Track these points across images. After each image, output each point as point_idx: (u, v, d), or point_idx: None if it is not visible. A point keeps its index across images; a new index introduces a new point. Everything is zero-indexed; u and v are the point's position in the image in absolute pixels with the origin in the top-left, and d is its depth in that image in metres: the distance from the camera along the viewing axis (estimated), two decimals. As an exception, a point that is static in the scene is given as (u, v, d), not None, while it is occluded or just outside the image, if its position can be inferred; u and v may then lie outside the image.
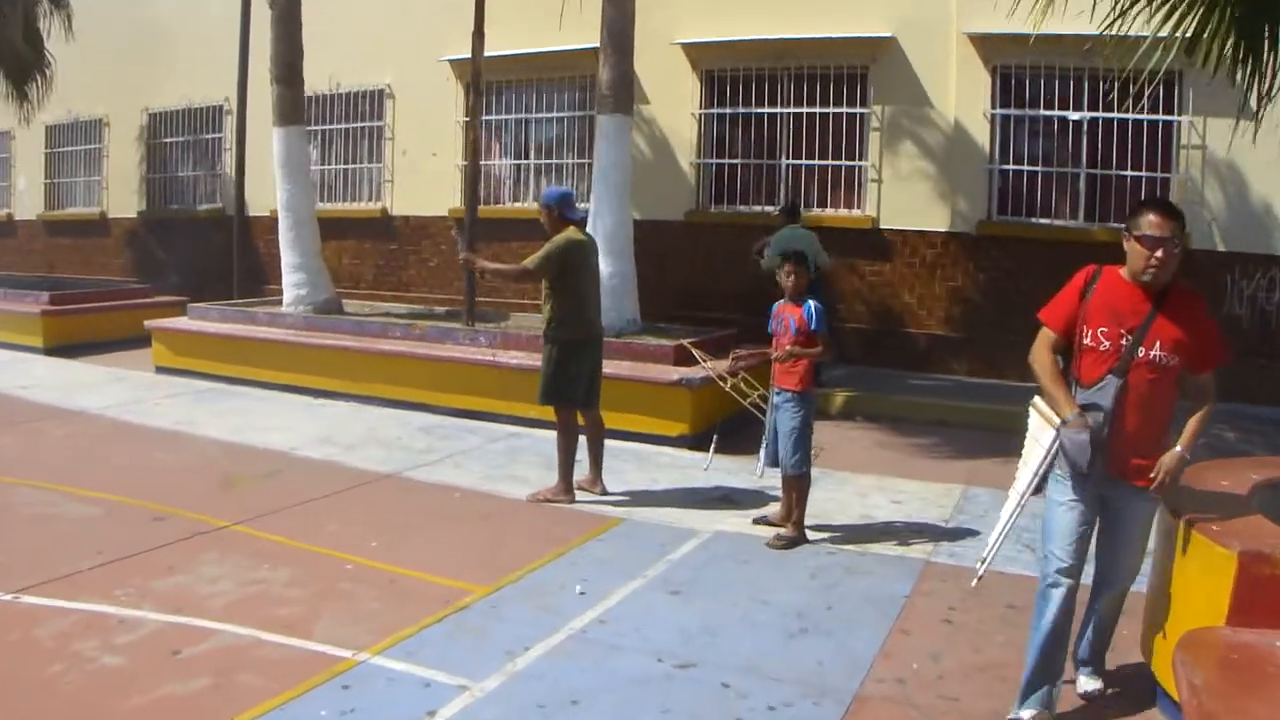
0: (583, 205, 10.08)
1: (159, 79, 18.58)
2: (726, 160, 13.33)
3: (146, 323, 13.13)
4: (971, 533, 6.82)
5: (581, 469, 7.59)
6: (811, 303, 6.52)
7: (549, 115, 14.53)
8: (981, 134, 11.93)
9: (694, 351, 9.11)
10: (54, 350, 14.31)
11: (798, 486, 6.57)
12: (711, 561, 6.20)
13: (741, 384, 7.73)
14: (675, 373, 9.18)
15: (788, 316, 6.56)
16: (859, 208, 12.63)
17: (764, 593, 5.70)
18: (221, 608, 5.40)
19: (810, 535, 6.61)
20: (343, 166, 16.54)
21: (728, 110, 13.24)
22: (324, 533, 6.71)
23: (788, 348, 6.46)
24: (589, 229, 10.22)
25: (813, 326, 6.46)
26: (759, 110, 13.02)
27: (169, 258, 18.87)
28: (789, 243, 9.07)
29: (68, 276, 19.81)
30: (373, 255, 16.24)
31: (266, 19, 12.78)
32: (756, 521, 6.92)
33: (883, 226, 12.45)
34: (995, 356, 11.80)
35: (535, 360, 9.53)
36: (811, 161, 12.78)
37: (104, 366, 13.29)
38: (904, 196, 12.33)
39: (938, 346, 12.29)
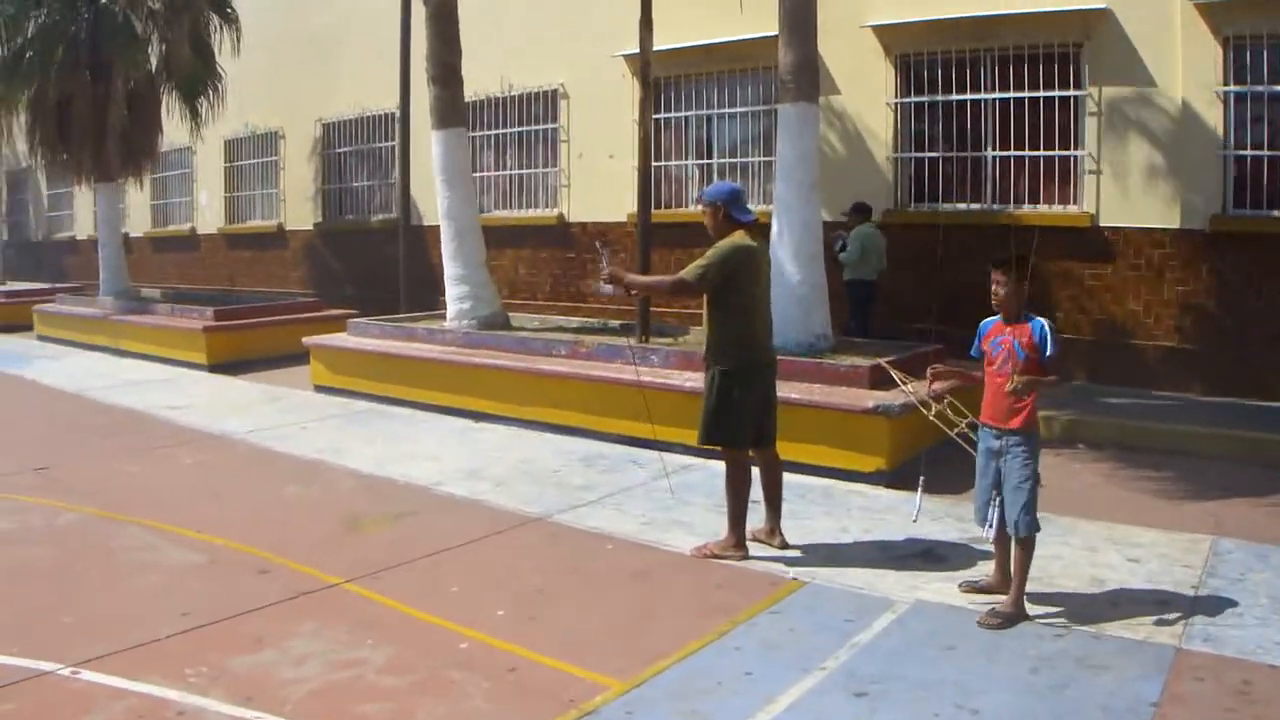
0: (762, 209, 8.89)
1: (331, 88, 18.33)
2: (926, 154, 11.91)
3: (305, 340, 12.55)
4: (1229, 603, 5.34)
5: (757, 514, 6.36)
6: (1042, 321, 5.19)
7: (732, 110, 13.36)
8: (1213, 115, 10.23)
9: (893, 373, 7.77)
10: (218, 367, 14.09)
11: (1023, 551, 5.21)
12: (909, 647, 4.88)
13: (948, 410, 6.38)
14: (870, 398, 7.85)
15: (1009, 338, 5.23)
16: (1075, 203, 11.06)
17: (972, 696, 4.35)
18: (299, 699, 4.39)
19: (1030, 608, 5.22)
20: (517, 172, 15.80)
21: (925, 98, 11.83)
22: (445, 596, 5.68)
23: (1021, 378, 5.12)
24: (773, 234, 9.04)
25: (1046, 352, 5.14)
26: (960, 97, 11.58)
27: (344, 270, 18.54)
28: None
29: (246, 290, 20.06)
30: (549, 264, 15.39)
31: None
32: (965, 588, 5.57)
33: (1103, 224, 10.86)
34: (1233, 372, 10.18)
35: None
36: (1021, 152, 11.25)
37: (264, 385, 12.93)
38: (1126, 189, 10.71)
39: (1167, 361, 10.61)
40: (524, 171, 15.69)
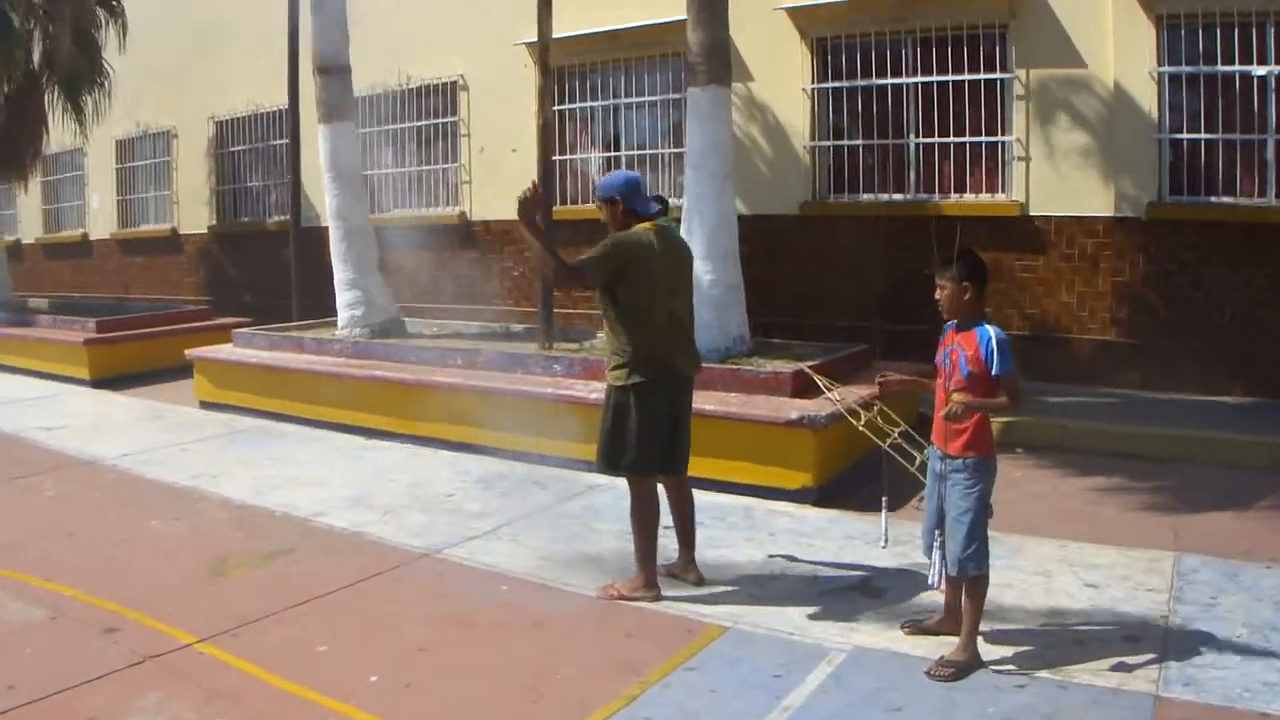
0: (676, 204, 8.16)
1: (223, 84, 17.31)
2: (846, 142, 11.24)
3: (187, 352, 11.61)
4: (1205, 637, 4.73)
5: (671, 540, 5.67)
6: (991, 330, 4.48)
7: (640, 100, 12.60)
8: (1147, 98, 9.67)
9: (817, 379, 7.15)
10: (101, 382, 13.11)
11: (973, 592, 4.55)
12: (849, 709, 4.17)
13: (878, 419, 5.73)
14: (794, 408, 7.14)
15: (956, 349, 4.56)
16: (1004, 191, 10.48)
17: (930, 772, 3.69)
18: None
19: (985, 648, 4.57)
20: (416, 169, 14.89)
21: (844, 84, 11.16)
22: (311, 657, 4.90)
23: (959, 401, 4.43)
24: (682, 229, 8.33)
25: (994, 369, 4.43)
26: (881, 82, 10.92)
27: (241, 275, 17.55)
28: None
29: (140, 298, 18.89)
30: (451, 265, 14.47)
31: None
32: (909, 630, 4.89)
33: (1033, 213, 10.27)
34: (1175, 366, 9.65)
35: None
36: (945, 139, 10.65)
37: (148, 401, 12.00)
38: (1057, 176, 10.14)
39: (1104, 355, 10.07)
40: (424, 168, 14.81)
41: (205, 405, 11.27)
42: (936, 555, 4.58)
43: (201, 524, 7.13)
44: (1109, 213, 9.93)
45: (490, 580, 5.81)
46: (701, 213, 8.48)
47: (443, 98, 14.45)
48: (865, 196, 11.14)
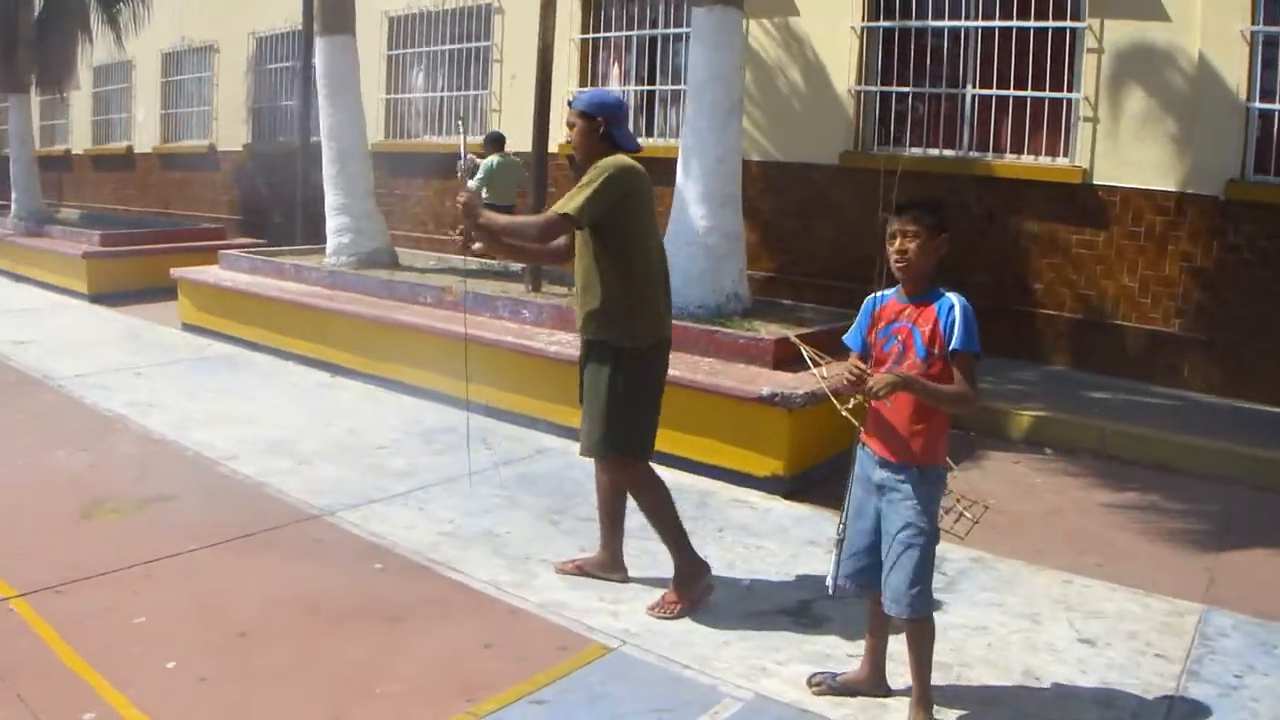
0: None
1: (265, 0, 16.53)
2: (895, 88, 10.05)
3: (172, 272, 10.96)
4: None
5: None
6: (954, 298, 3.45)
7: (682, 30, 11.49)
8: (1237, 60, 8.31)
9: (804, 350, 6.09)
10: (100, 298, 12.68)
11: (922, 637, 3.52)
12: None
13: (869, 404, 4.71)
14: (768, 382, 6.08)
15: (907, 325, 3.50)
16: (1065, 155, 9.24)
17: None
18: None
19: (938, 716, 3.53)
20: (446, 94, 14.01)
21: (897, 24, 9.93)
22: (121, 630, 4.14)
23: (892, 375, 3.36)
24: (679, 169, 7.34)
25: (951, 344, 3.39)
26: (938, 24, 9.73)
27: (273, 195, 16.84)
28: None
29: (178, 214, 18.59)
30: (476, 196, 13.59)
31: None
32: (817, 687, 3.77)
33: (1096, 181, 9.00)
34: (1243, 369, 8.36)
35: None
36: (1005, 92, 9.41)
37: (135, 319, 11.50)
38: (1126, 142, 8.85)
39: (1164, 348, 8.81)
40: (453, 94, 13.93)
41: (187, 328, 10.69)
42: (839, 563, 3.59)
43: (104, 458, 6.45)
44: (1182, 188, 8.65)
45: (369, 556, 4.94)
46: (700, 151, 7.45)
47: (477, 21, 13.52)
48: (913, 150, 9.98)
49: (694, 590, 4.40)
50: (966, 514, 5.76)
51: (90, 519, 5.37)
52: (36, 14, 15.93)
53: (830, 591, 3.60)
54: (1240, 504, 6.21)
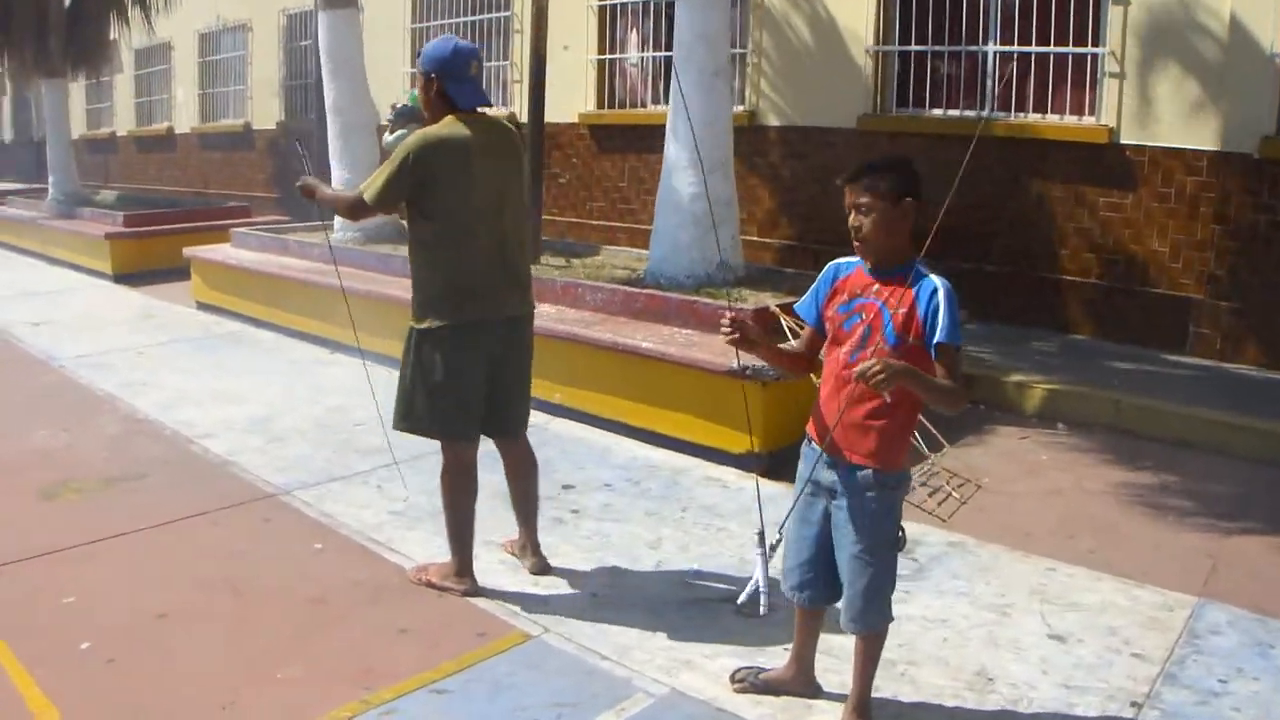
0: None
1: (296, -26, 16.57)
2: (914, 47, 9.68)
3: (185, 251, 10.95)
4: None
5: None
6: (936, 281, 3.00)
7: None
8: (1271, 9, 7.81)
9: (784, 320, 5.90)
10: (124, 278, 12.68)
11: (874, 646, 3.22)
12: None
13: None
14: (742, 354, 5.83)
15: (875, 302, 3.06)
16: (1091, 114, 8.79)
17: None
18: None
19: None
20: (469, 65, 13.82)
21: (917, -20, 9.59)
22: (48, 611, 4.11)
23: (894, 362, 2.80)
24: (666, 134, 7.10)
25: (936, 336, 2.94)
26: (958, -21, 9.34)
27: (305, 172, 16.78)
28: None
29: (216, 193, 18.71)
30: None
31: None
32: (740, 684, 3.50)
33: (1123, 141, 8.54)
34: (1278, 339, 7.91)
35: (571, 318, 6.68)
36: (1027, 48, 8.99)
37: (153, 299, 11.49)
38: (1155, 99, 8.39)
39: (1195, 316, 8.36)
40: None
41: (201, 306, 10.67)
42: (763, 574, 3.11)
43: (83, 439, 6.41)
44: (1215, 146, 8.21)
45: (312, 536, 4.81)
46: (686, 112, 7.17)
47: (497, -10, 13.35)
48: (934, 111, 9.62)
49: (446, 581, 4.22)
50: (955, 494, 5.52)
51: (51, 499, 5.33)
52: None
53: (761, 610, 3.10)
54: (1260, 486, 5.70)
